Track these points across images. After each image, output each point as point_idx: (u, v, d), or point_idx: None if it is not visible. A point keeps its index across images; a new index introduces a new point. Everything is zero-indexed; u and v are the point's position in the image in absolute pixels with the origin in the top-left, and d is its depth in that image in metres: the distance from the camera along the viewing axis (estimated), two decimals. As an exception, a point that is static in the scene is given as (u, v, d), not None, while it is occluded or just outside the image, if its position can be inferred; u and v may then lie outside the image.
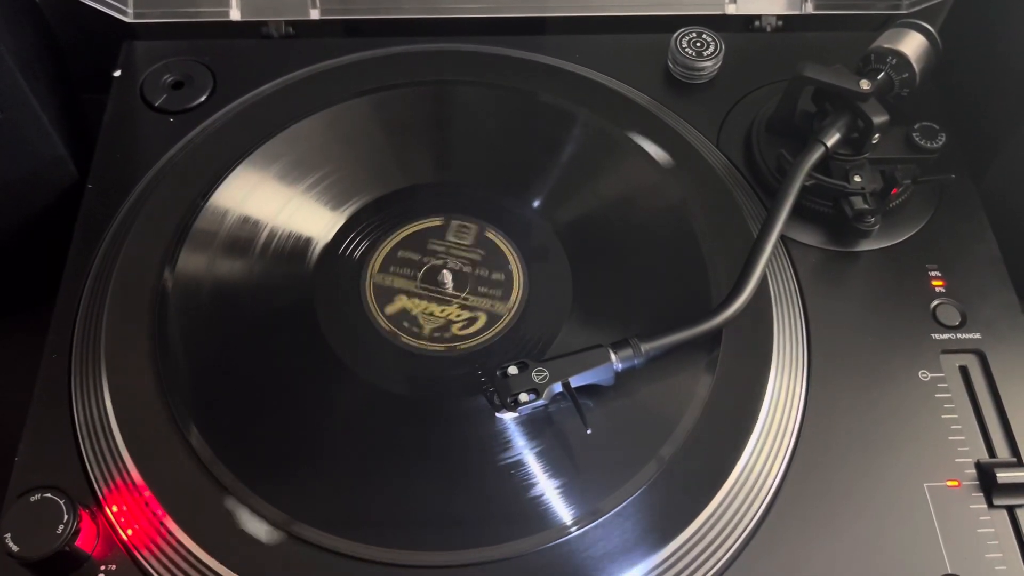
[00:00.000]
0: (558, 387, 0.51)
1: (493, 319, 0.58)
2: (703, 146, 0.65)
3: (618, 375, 0.53)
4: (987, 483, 0.53)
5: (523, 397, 0.51)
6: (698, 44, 0.68)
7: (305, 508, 0.50)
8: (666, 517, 0.50)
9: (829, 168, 0.60)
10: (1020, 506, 0.52)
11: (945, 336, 0.58)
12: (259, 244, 0.60)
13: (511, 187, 0.64)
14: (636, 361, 0.52)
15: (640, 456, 0.52)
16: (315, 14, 0.72)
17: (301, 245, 0.61)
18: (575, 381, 0.52)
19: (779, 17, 0.74)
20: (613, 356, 0.52)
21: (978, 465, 0.53)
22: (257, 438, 0.53)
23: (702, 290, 0.58)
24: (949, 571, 0.50)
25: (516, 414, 0.52)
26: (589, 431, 0.51)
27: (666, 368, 0.54)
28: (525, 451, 0.52)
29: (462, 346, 0.57)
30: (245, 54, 0.69)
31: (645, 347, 0.52)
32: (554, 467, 0.52)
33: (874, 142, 0.60)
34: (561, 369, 0.52)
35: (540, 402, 0.51)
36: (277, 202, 0.62)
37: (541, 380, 0.51)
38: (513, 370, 0.51)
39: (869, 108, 0.59)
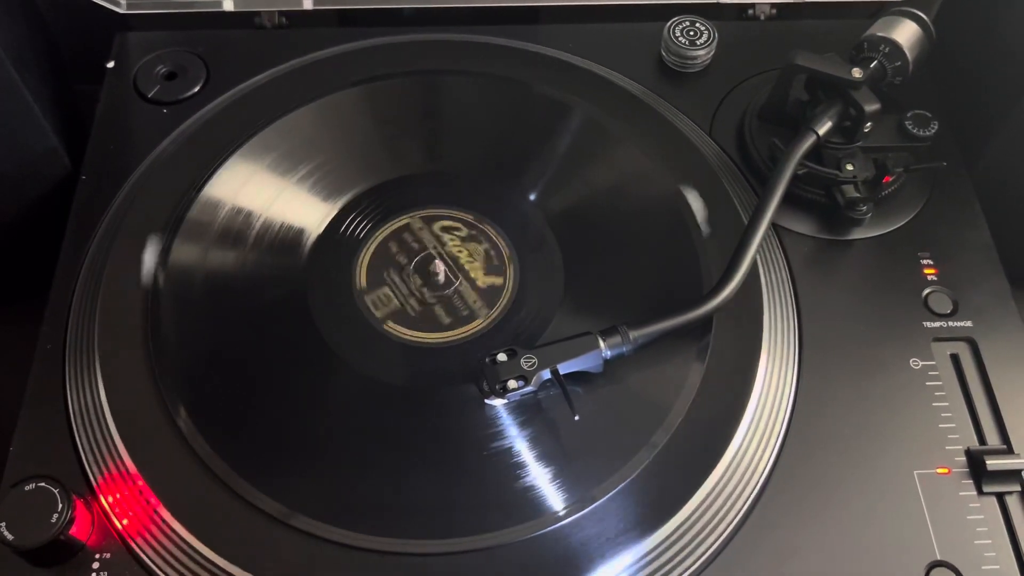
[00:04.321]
0: (547, 374, 0.52)
1: (485, 308, 0.58)
2: (696, 135, 0.65)
3: (607, 362, 0.53)
4: (977, 470, 0.53)
5: (512, 384, 0.51)
6: (691, 33, 0.68)
7: (298, 496, 0.50)
8: (657, 503, 0.50)
9: (821, 156, 0.60)
10: (1010, 493, 0.52)
11: (937, 324, 0.58)
12: (252, 235, 0.60)
13: (504, 177, 0.64)
14: (624, 348, 0.53)
15: (631, 443, 0.52)
16: (308, 4, 0.72)
17: (294, 236, 0.61)
18: (564, 368, 0.52)
19: (773, 5, 0.73)
20: (601, 343, 0.52)
21: (968, 453, 0.53)
22: (250, 427, 0.53)
23: (694, 279, 0.58)
24: (938, 558, 0.50)
25: (505, 401, 0.53)
26: (577, 417, 0.51)
27: (658, 355, 0.54)
28: (517, 439, 0.53)
29: (454, 336, 0.57)
30: (238, 45, 0.69)
31: (633, 334, 0.53)
32: (546, 455, 0.52)
33: (866, 130, 0.59)
34: (550, 356, 0.52)
35: (528, 389, 0.51)
36: (270, 193, 0.62)
37: (530, 367, 0.51)
38: (502, 357, 0.52)
39: (861, 96, 0.58)
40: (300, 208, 0.62)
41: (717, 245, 0.58)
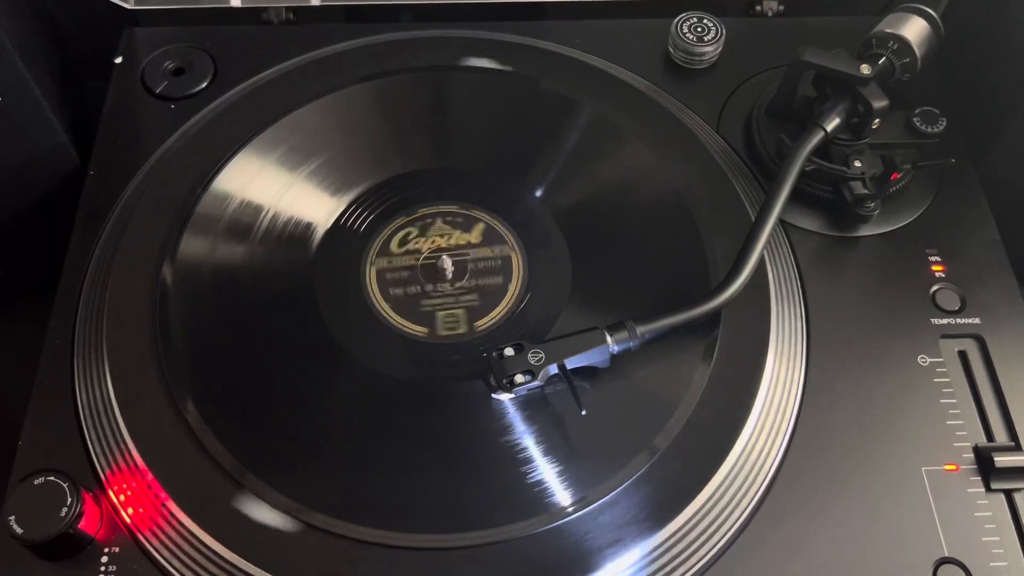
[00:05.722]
0: (554, 369, 0.52)
1: (493, 304, 0.58)
2: (703, 131, 0.65)
3: (614, 357, 0.53)
4: (985, 467, 0.53)
5: (519, 378, 0.51)
6: (699, 29, 0.68)
7: (305, 491, 0.50)
8: (664, 499, 0.50)
9: (829, 153, 0.60)
10: (1018, 490, 0.52)
11: (944, 321, 0.58)
12: (260, 230, 0.60)
13: (511, 173, 0.64)
14: (632, 343, 0.53)
15: (638, 439, 0.52)
16: (316, 0, 0.72)
17: (302, 230, 0.61)
18: (571, 363, 0.52)
19: (780, 1, 0.73)
20: (609, 338, 0.52)
21: (976, 449, 0.53)
22: (258, 421, 0.53)
23: (701, 275, 0.58)
24: (946, 554, 0.50)
25: (512, 395, 0.53)
26: (584, 412, 0.51)
27: (665, 351, 0.54)
28: (524, 434, 0.53)
29: (461, 331, 0.57)
30: (246, 40, 0.69)
31: (641, 329, 0.53)
32: (553, 450, 0.52)
33: (874, 127, 0.59)
34: (557, 351, 0.52)
35: (536, 383, 0.52)
36: (278, 188, 0.62)
37: (537, 362, 0.51)
38: (509, 351, 0.52)
39: (869, 93, 0.58)
40: (308, 203, 0.62)
41: (724, 241, 0.58)
